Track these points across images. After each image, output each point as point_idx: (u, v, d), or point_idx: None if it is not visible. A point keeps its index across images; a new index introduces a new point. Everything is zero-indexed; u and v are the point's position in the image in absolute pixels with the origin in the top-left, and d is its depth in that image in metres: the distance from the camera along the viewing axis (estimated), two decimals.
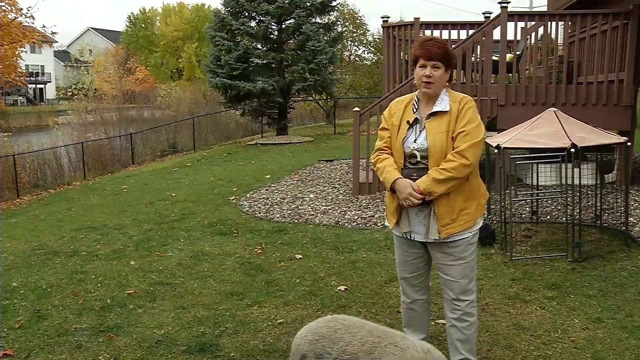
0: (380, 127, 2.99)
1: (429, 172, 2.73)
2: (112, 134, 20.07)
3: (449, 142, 2.74)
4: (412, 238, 2.90)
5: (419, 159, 2.78)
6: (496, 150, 5.00)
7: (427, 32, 9.33)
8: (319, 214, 6.92)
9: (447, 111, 2.77)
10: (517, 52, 8.06)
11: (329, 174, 9.68)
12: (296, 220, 6.73)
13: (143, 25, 61.09)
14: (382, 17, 9.39)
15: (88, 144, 16.71)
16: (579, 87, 7.44)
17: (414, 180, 2.74)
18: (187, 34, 57.17)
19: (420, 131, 2.81)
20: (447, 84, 2.83)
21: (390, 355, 2.32)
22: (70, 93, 29.13)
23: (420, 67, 2.78)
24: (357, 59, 27.63)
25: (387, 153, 2.90)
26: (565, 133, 4.76)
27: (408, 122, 2.83)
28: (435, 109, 2.79)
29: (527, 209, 6.41)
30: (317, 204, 7.43)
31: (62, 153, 17.07)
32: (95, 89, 31.90)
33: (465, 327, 2.91)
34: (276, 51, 16.68)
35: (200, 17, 56.20)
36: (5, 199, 12.46)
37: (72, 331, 3.87)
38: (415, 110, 2.85)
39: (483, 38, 7.49)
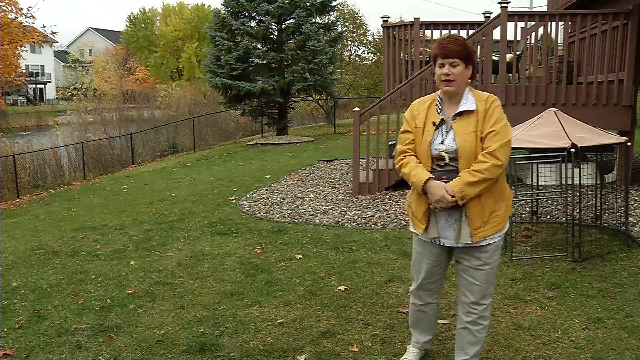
0: (401, 129, 2.89)
1: (460, 174, 2.65)
2: (112, 134, 20.07)
3: (478, 143, 2.66)
4: (440, 243, 2.82)
5: (447, 161, 2.70)
6: None
7: (427, 32, 9.35)
8: (319, 214, 6.92)
9: (474, 110, 2.69)
10: (517, 52, 8.06)
11: (329, 174, 9.69)
12: (296, 220, 6.73)
13: (143, 25, 61.12)
14: (382, 17, 9.39)
15: (88, 144, 16.71)
16: (579, 87, 7.44)
17: (444, 183, 2.66)
18: (187, 34, 57.21)
19: (447, 132, 2.72)
20: (470, 81, 2.75)
21: None
22: (69, 93, 29.16)
23: (439, 66, 2.71)
24: (357, 59, 27.68)
25: (410, 155, 2.81)
26: (565, 133, 4.76)
27: (434, 123, 2.74)
28: (462, 108, 2.71)
29: (527, 209, 6.41)
30: (317, 204, 7.43)
31: (62, 153, 17.09)
32: (94, 89, 31.90)
33: (479, 330, 2.88)
34: (276, 51, 16.69)
35: (200, 17, 56.24)
36: (5, 199, 12.46)
37: (72, 331, 3.87)
38: (439, 110, 2.77)
39: (483, 38, 7.49)
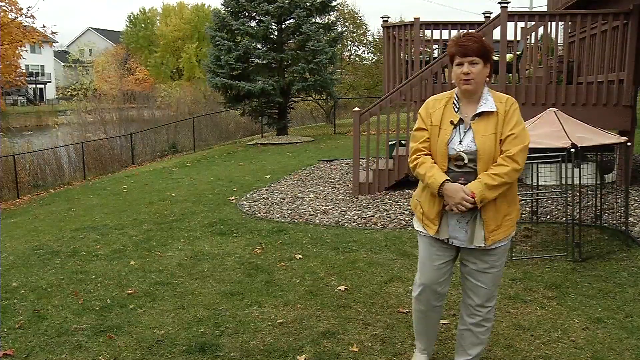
0: (415, 127, 2.79)
1: (479, 177, 2.59)
2: (112, 134, 20.07)
3: (497, 145, 2.60)
4: (450, 243, 2.76)
5: (466, 161, 2.64)
6: None
7: (427, 32, 9.34)
8: (319, 214, 6.92)
9: (494, 112, 2.63)
10: (517, 52, 8.06)
11: (329, 174, 9.69)
12: (296, 220, 6.73)
13: (143, 25, 61.18)
14: (382, 17, 9.39)
15: (88, 144, 16.70)
16: (579, 87, 7.44)
17: (462, 185, 2.60)
18: (187, 34, 57.23)
19: (466, 132, 2.65)
20: (487, 79, 2.69)
21: None
22: (69, 93, 29.26)
23: (457, 65, 2.64)
24: (357, 59, 27.67)
25: (425, 154, 2.73)
26: (565, 133, 4.76)
27: (452, 122, 2.67)
28: (481, 109, 2.64)
29: (527, 209, 6.41)
30: (317, 204, 7.43)
31: (62, 153, 17.07)
32: (94, 89, 31.94)
33: (482, 331, 2.86)
34: (276, 51, 16.69)
35: (200, 17, 56.27)
36: (5, 199, 12.45)
37: (72, 331, 3.87)
38: (456, 109, 2.69)
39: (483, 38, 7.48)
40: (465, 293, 2.87)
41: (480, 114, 2.65)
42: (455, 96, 2.73)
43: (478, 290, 2.79)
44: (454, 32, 8.85)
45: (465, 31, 8.55)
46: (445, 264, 2.83)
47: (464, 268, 2.83)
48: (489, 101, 2.66)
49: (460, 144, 2.65)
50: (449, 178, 2.62)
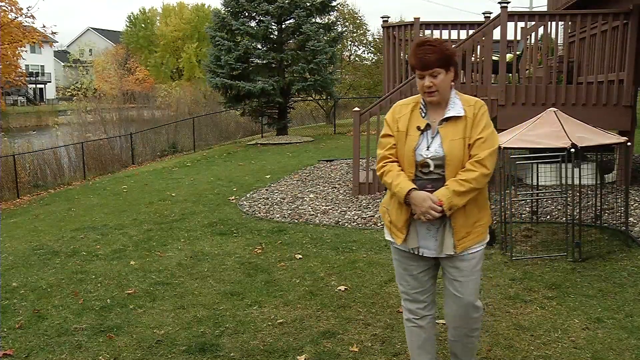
0: (382, 133, 2.69)
1: (447, 183, 2.50)
2: (112, 134, 20.07)
3: (466, 150, 2.52)
4: (420, 253, 2.65)
5: (432, 168, 2.54)
6: None
7: (427, 32, 9.33)
8: (319, 214, 6.92)
9: (462, 116, 2.55)
10: (517, 52, 8.06)
11: (329, 174, 9.69)
12: (296, 220, 6.73)
13: (143, 25, 61.23)
14: (382, 17, 9.39)
15: (88, 144, 16.69)
16: (579, 87, 7.44)
17: (429, 192, 2.51)
18: (187, 34, 57.29)
19: (433, 138, 2.57)
20: (453, 83, 2.60)
21: None
22: (69, 93, 29.31)
23: (419, 77, 2.56)
24: (357, 59, 27.64)
25: (392, 162, 2.64)
26: (565, 133, 4.76)
27: (419, 128, 2.58)
28: (449, 113, 2.56)
29: (527, 209, 6.42)
30: (317, 204, 7.43)
31: (62, 153, 17.07)
32: (94, 89, 31.97)
33: (471, 340, 2.79)
34: (276, 51, 16.69)
35: (200, 17, 56.33)
36: (5, 199, 12.45)
37: (72, 331, 3.87)
38: (423, 114, 2.61)
39: (483, 38, 7.49)
40: (448, 305, 2.75)
41: (448, 119, 2.57)
42: (422, 100, 2.65)
43: (459, 301, 2.68)
44: (454, 32, 8.87)
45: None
46: (424, 273, 2.73)
47: (444, 277, 2.73)
48: (457, 105, 2.58)
49: (427, 149, 2.56)
50: (415, 186, 2.53)
